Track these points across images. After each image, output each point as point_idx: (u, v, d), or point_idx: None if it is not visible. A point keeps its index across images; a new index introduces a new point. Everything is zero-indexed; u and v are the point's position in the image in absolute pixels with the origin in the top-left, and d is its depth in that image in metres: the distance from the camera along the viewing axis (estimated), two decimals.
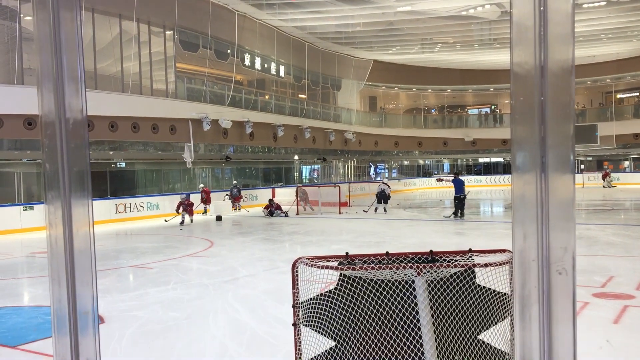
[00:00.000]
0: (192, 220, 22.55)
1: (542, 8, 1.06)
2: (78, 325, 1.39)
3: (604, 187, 39.73)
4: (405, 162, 50.74)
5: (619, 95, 47.49)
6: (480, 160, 49.28)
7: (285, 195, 31.00)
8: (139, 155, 26.25)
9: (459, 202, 21.22)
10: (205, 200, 25.60)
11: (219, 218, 23.56)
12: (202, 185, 26.49)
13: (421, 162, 51.22)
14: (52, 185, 1.37)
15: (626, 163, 45.83)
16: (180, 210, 22.33)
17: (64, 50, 1.32)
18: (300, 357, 4.45)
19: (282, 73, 35.26)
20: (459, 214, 21.18)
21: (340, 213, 24.27)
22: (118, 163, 26.07)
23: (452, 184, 21.67)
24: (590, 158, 47.14)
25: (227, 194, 28.08)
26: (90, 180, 1.39)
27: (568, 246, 1.11)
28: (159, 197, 26.03)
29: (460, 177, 22.05)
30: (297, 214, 24.85)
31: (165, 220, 23.04)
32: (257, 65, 32.67)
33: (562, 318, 1.11)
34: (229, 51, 30.00)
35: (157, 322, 7.77)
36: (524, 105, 1.10)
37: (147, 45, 25.41)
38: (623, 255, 12.17)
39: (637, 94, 46.69)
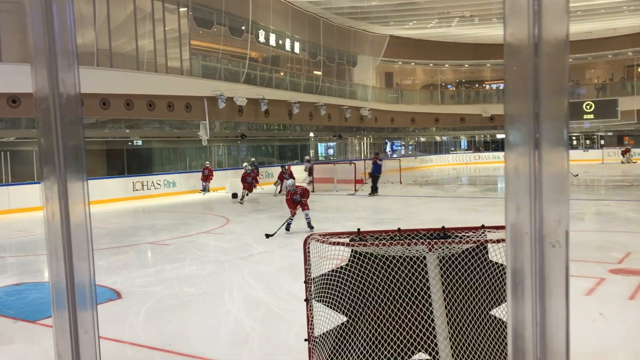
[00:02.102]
0: (247, 194, 22.24)
1: None
2: (76, 299, 1.41)
3: (622, 162, 39.12)
4: (422, 139, 50.39)
5: None
6: (499, 136, 48.74)
7: (300, 173, 31.04)
8: (155, 133, 26.40)
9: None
10: (207, 177, 25.60)
11: (234, 195, 23.68)
12: (207, 163, 26.49)
13: (438, 138, 50.82)
14: (47, 160, 1.38)
15: None
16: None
17: (56, 25, 1.31)
18: (312, 332, 4.49)
19: (297, 49, 35.03)
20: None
21: (356, 190, 24.25)
22: (134, 141, 26.24)
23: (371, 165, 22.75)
24: (610, 133, 46.40)
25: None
26: (84, 155, 1.40)
27: (562, 219, 1.10)
28: (175, 174, 26.22)
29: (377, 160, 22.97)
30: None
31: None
32: (272, 41, 32.47)
33: (555, 291, 1.10)
34: (243, 28, 29.84)
35: (173, 298, 7.89)
36: (517, 79, 1.08)
37: (162, 23, 25.37)
38: None
39: None
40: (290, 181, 13.82)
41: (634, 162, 39.20)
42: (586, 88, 46.76)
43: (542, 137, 1.04)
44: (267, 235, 12.54)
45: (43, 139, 1.33)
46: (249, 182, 21.44)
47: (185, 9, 26.42)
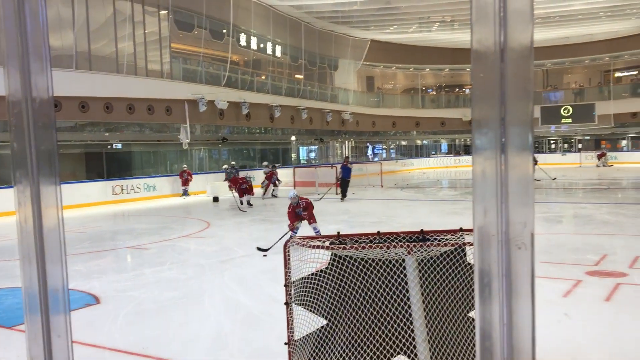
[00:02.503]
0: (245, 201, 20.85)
1: None
2: (49, 303, 1.41)
3: (597, 166, 39.74)
4: (403, 143, 50.68)
5: (617, 74, 47.28)
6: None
7: (282, 177, 31.00)
8: (135, 137, 26.20)
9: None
10: (186, 181, 25.44)
11: (215, 199, 23.59)
12: (185, 167, 26.32)
13: (419, 142, 51.16)
14: (20, 164, 1.38)
15: (623, 142, 45.83)
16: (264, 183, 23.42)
17: (29, 28, 1.31)
18: (292, 336, 4.50)
19: (278, 53, 35.02)
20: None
21: (337, 194, 24.29)
22: (114, 144, 26.00)
23: (340, 170, 22.37)
24: (588, 137, 47.12)
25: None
26: (57, 159, 1.40)
27: (527, 221, 1.12)
28: (156, 178, 26.04)
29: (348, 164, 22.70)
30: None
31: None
32: (253, 45, 32.43)
33: (522, 292, 1.13)
34: (224, 31, 29.77)
35: (152, 302, 7.83)
36: (484, 84, 1.11)
37: (142, 26, 25.20)
38: (617, 233, 12.24)
39: (635, 72, 46.49)
40: (292, 192, 12.18)
41: (609, 166, 39.82)
42: (564, 92, 47.45)
43: (508, 142, 1.07)
44: (260, 250, 11.17)
45: (16, 142, 1.32)
46: (243, 188, 20.73)
47: (166, 11, 26.28)
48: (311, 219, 11.95)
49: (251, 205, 20.39)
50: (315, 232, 11.77)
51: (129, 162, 27.15)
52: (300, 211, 11.86)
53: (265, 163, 29.12)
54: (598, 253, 10.05)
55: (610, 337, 5.95)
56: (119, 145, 26.28)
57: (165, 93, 25.62)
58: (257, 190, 24.82)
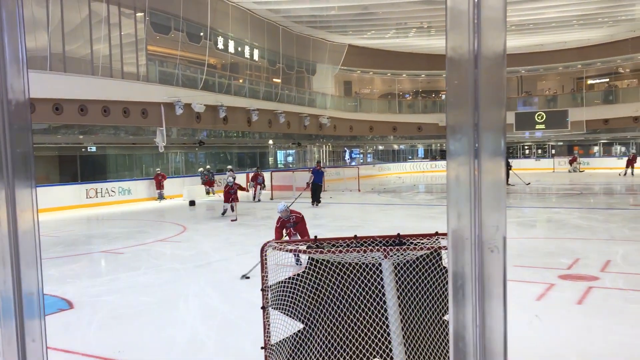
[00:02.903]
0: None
1: None
2: (23, 307, 1.39)
3: (569, 171, 40.44)
4: (380, 147, 50.97)
5: (590, 81, 48.24)
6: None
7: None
8: (110, 140, 25.90)
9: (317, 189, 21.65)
10: (160, 184, 25.23)
11: (192, 203, 23.42)
12: (158, 170, 26.09)
13: (396, 147, 51.49)
14: None
15: (595, 148, 46.73)
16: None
17: (5, 31, 1.30)
18: (269, 340, 4.49)
19: (256, 57, 34.98)
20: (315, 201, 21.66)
21: (255, 199, 24.41)
22: (88, 147, 25.67)
23: (312, 174, 21.85)
24: (561, 143, 47.93)
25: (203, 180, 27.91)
26: (33, 163, 1.38)
27: (499, 225, 1.15)
28: (131, 182, 25.76)
29: (318, 167, 22.26)
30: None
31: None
32: (231, 48, 32.35)
33: (494, 294, 1.15)
34: (201, 34, 29.64)
35: (127, 307, 7.74)
36: (458, 90, 1.13)
37: (118, 27, 24.96)
38: (589, 238, 12.46)
39: (607, 80, 47.48)
40: (282, 205, 10.09)
41: (581, 171, 40.53)
42: (538, 99, 48.24)
43: (481, 147, 1.10)
44: (245, 277, 9.15)
45: None
46: (232, 193, 19.20)
47: (142, 13, 26.06)
48: (304, 235, 10.11)
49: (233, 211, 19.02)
50: (296, 262, 8.57)
51: (103, 165, 26.82)
52: (291, 225, 10.17)
53: (229, 167, 28.98)
54: (570, 257, 10.22)
55: (582, 340, 6.06)
56: (94, 148, 25.96)
57: (141, 95, 25.39)
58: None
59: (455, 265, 1.16)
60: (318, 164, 22.86)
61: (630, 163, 35.53)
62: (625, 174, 35.05)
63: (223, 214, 18.75)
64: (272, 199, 25.14)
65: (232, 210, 18.63)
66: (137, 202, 24.79)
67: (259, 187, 24.65)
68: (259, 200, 24.22)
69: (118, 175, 27.06)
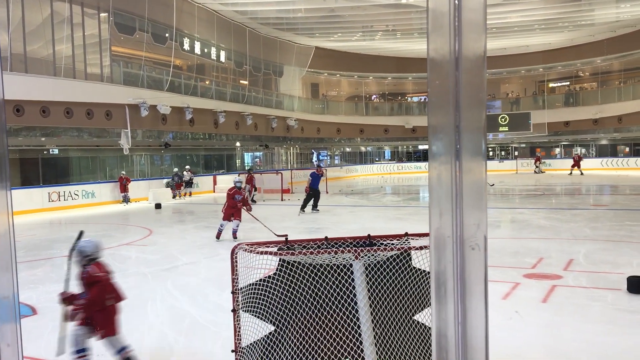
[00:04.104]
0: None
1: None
2: None
3: (535, 172, 41.33)
4: (347, 149, 51.19)
5: (551, 85, 49.43)
6: (420, 147, 50.31)
7: (227, 183, 30.73)
8: (73, 142, 25.35)
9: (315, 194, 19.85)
10: (125, 187, 24.83)
11: (158, 206, 23.11)
12: (123, 173, 25.65)
13: (363, 149, 51.79)
14: None
15: (557, 149, 47.85)
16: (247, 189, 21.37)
17: None
18: (239, 343, 4.46)
19: (222, 58, 34.75)
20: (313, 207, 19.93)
21: (282, 200, 24.28)
22: (51, 150, 25.08)
23: (310, 178, 20.08)
24: (523, 145, 48.93)
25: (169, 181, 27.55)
26: (7, 164, 1.35)
27: (480, 223, 1.17)
28: (94, 184, 25.27)
29: (317, 171, 20.40)
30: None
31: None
32: (197, 49, 32.06)
33: (475, 291, 1.17)
34: (167, 35, 29.30)
35: None
36: (439, 92, 1.15)
37: (81, 28, 24.48)
38: (553, 237, 12.74)
39: (568, 83, 48.73)
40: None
41: (542, 172, 41.45)
42: (501, 102, 49.19)
43: (462, 148, 1.12)
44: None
45: None
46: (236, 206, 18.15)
47: (106, 14, 25.63)
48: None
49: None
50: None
51: (66, 168, 26.24)
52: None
53: (187, 167, 28.71)
54: (535, 256, 10.44)
55: (547, 337, 6.19)
56: (56, 151, 25.38)
57: (105, 97, 24.95)
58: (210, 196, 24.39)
59: (438, 264, 1.18)
60: (318, 168, 21.28)
61: (576, 164, 37.72)
62: (571, 174, 37.27)
63: (218, 237, 13.81)
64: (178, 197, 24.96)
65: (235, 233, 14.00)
66: (101, 206, 24.34)
67: (254, 189, 24.29)
68: (254, 202, 23.67)
69: (81, 178, 26.51)
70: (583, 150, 46.05)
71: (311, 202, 19.69)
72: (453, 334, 1.17)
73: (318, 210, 19.83)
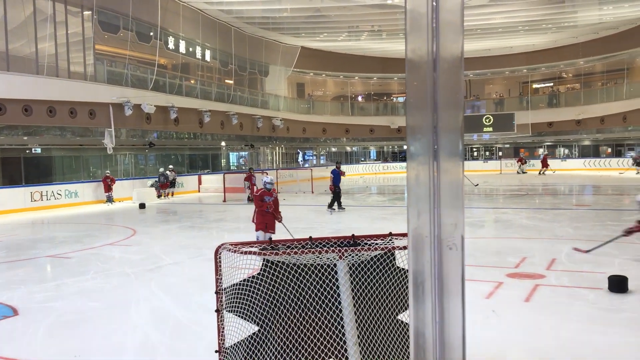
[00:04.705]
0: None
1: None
2: None
3: (518, 173, 41.67)
4: (333, 149, 51.22)
5: (535, 85, 49.89)
6: (406, 147, 50.35)
7: (212, 183, 30.61)
8: (55, 141, 25.08)
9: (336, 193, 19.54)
10: (110, 187, 24.61)
11: (142, 206, 22.95)
12: (107, 172, 25.42)
13: (348, 148, 51.86)
14: None
15: (540, 150, 48.28)
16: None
17: None
18: (223, 343, 4.45)
19: (207, 57, 34.60)
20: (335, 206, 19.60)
21: (248, 200, 24.27)
22: (33, 149, 24.79)
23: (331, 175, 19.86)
24: (507, 145, 49.31)
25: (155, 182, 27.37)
26: None
27: (458, 223, 1.18)
28: (78, 184, 25.03)
29: (337, 168, 20.39)
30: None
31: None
32: (182, 49, 31.88)
33: (453, 290, 1.18)
34: (151, 33, 29.10)
35: (75, 313, 7.52)
36: (417, 93, 1.15)
37: (64, 26, 24.23)
38: (535, 237, 12.85)
39: (551, 84, 49.21)
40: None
41: (524, 173, 41.76)
42: (485, 102, 49.55)
43: (440, 148, 1.12)
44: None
45: None
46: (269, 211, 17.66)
47: (90, 12, 25.39)
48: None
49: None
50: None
51: (49, 167, 25.96)
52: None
53: (170, 167, 28.56)
54: (518, 256, 10.52)
55: (529, 336, 6.24)
56: (39, 150, 25.10)
57: (89, 96, 24.72)
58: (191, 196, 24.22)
59: (416, 263, 1.18)
60: (338, 165, 20.90)
61: (544, 164, 39.69)
62: (542, 174, 39.04)
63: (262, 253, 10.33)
64: (224, 201, 24.91)
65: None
66: (84, 205, 24.12)
67: (254, 187, 24.15)
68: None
69: (64, 177, 26.24)
70: (542, 151, 46.78)
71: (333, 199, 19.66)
72: (431, 333, 1.17)
73: (344, 209, 19.74)
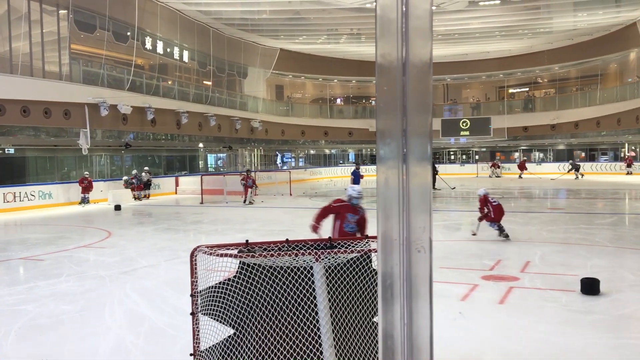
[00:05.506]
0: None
1: (404, 5, 1.13)
2: None
3: (490, 176, 42.11)
4: (312, 152, 51.26)
5: (511, 90, 50.58)
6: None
7: (189, 184, 30.39)
8: (29, 141, 24.67)
9: None
10: (86, 189, 24.28)
11: (117, 207, 22.69)
12: (86, 174, 25.07)
13: (327, 151, 51.95)
14: None
15: (516, 154, 48.92)
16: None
17: None
18: (198, 346, 4.42)
19: (185, 58, 34.38)
20: None
21: (244, 202, 24.15)
22: (6, 149, 24.36)
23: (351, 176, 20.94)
24: (484, 149, 49.87)
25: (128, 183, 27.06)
26: None
27: (426, 226, 1.20)
28: (52, 185, 24.66)
29: (357, 168, 21.01)
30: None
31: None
32: (159, 49, 31.63)
33: (421, 292, 1.19)
34: (128, 33, 28.82)
35: (47, 316, 7.40)
36: (387, 97, 1.17)
37: (39, 25, 23.88)
38: (510, 240, 13.01)
39: (527, 89, 49.93)
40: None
41: (498, 177, 42.21)
42: (463, 106, 50.07)
43: (409, 152, 1.14)
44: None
45: None
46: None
47: (66, 11, 25.06)
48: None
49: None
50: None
51: (22, 168, 25.52)
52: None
53: (146, 168, 28.35)
54: (493, 258, 10.65)
55: (503, 338, 6.32)
56: (12, 150, 24.67)
57: (64, 96, 24.38)
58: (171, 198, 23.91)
59: (384, 266, 1.20)
60: (357, 165, 21.24)
61: (521, 167, 40.41)
62: (520, 177, 39.86)
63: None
64: (202, 203, 24.75)
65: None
66: (58, 207, 23.76)
67: (249, 189, 24.10)
68: (252, 203, 23.81)
69: (38, 178, 25.82)
70: (518, 155, 47.59)
71: None
72: (399, 335, 1.19)
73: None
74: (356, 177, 19.95)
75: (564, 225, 15.45)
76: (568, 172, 38.25)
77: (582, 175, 37.92)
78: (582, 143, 44.57)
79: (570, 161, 39.86)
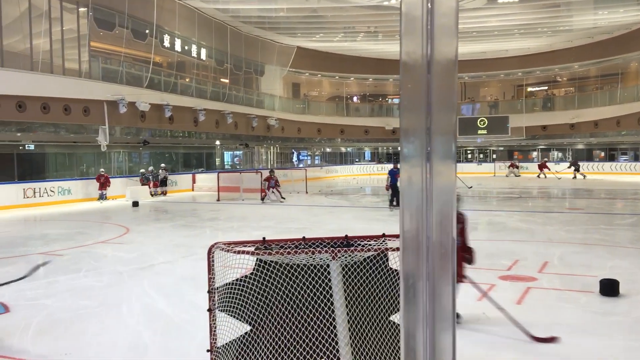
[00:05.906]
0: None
1: (429, 3, 1.12)
2: None
3: (506, 175, 41.76)
4: (328, 150, 51.23)
5: (529, 89, 50.06)
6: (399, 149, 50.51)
7: (206, 181, 30.56)
8: (49, 138, 24.97)
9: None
10: (103, 185, 24.53)
11: (135, 204, 22.88)
12: (102, 170, 25.32)
13: (343, 149, 51.89)
14: None
15: (534, 153, 48.46)
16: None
17: None
18: (215, 343, 4.44)
19: (203, 56, 34.53)
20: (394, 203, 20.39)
21: (262, 200, 24.23)
22: (26, 145, 24.68)
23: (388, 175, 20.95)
24: (502, 148, 49.45)
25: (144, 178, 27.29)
26: None
27: (449, 225, 1.18)
28: (71, 181, 24.94)
29: (395, 167, 21.29)
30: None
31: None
32: (177, 47, 31.80)
33: (444, 292, 1.18)
34: (147, 31, 29.02)
35: (66, 311, 7.49)
36: (411, 95, 1.16)
37: (59, 22, 24.14)
38: (528, 240, 12.90)
39: (546, 87, 49.38)
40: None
41: (517, 176, 41.82)
42: (480, 105, 49.69)
43: (433, 150, 1.13)
44: None
45: None
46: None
47: (85, 9, 25.31)
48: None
49: None
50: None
51: (42, 164, 25.86)
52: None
53: (162, 165, 28.54)
54: (510, 258, 10.55)
55: (520, 339, 6.26)
56: (32, 146, 25.00)
57: (83, 93, 24.63)
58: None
59: (407, 265, 1.19)
60: (395, 164, 21.97)
61: (542, 167, 40.10)
62: (539, 176, 39.32)
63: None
64: (218, 200, 24.87)
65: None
66: (77, 203, 24.03)
67: (271, 190, 24.31)
68: (283, 199, 24.32)
69: (58, 174, 26.14)
70: (536, 154, 46.93)
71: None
72: (421, 335, 1.18)
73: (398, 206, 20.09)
74: (393, 176, 20.34)
75: (583, 225, 15.28)
76: (570, 167, 37.88)
77: (584, 175, 37.39)
78: (602, 142, 44.00)
79: (571, 160, 39.46)
